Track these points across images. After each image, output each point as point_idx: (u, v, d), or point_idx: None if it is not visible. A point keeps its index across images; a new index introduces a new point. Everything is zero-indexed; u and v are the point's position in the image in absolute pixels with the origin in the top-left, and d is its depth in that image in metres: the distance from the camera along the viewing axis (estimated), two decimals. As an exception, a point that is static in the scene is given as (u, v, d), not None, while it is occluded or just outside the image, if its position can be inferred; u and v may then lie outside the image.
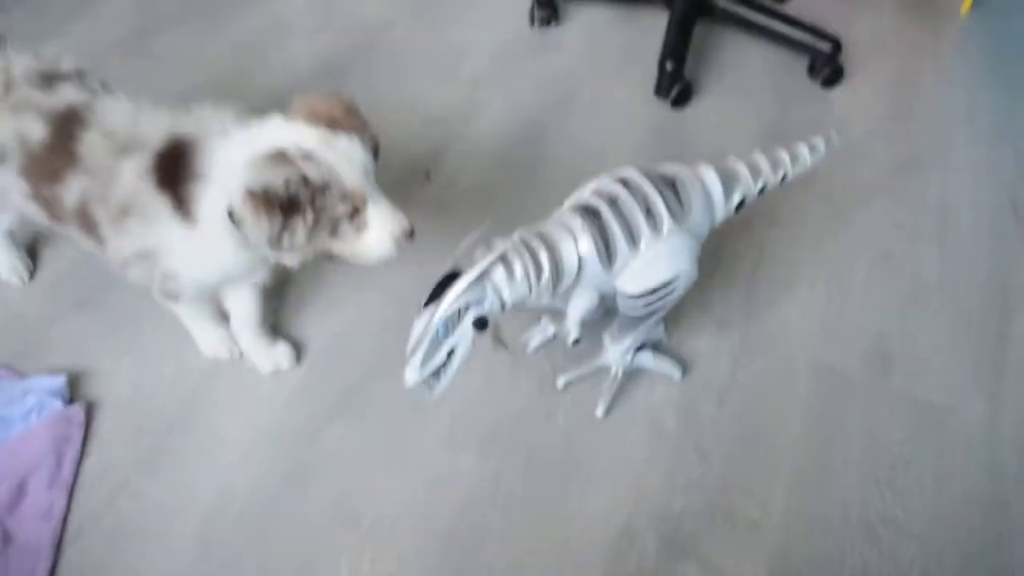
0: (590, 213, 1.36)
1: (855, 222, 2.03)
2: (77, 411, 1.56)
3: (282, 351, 1.66)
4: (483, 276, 1.25)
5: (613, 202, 1.37)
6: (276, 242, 1.20)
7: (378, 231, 1.27)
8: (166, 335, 1.68)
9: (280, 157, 1.19)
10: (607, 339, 1.59)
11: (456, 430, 1.58)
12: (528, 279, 1.28)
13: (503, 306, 1.29)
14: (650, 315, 1.45)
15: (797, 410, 1.65)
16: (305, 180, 1.18)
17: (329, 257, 1.32)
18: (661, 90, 2.32)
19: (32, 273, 1.80)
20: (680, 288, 1.42)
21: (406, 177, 2.05)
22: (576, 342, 1.44)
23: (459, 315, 1.24)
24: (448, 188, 2.04)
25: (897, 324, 1.81)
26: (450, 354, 1.26)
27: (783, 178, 1.54)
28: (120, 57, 2.33)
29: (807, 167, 1.56)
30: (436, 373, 1.27)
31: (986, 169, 2.21)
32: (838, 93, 2.42)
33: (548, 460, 1.55)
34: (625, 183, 1.39)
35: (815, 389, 1.68)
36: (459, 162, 2.11)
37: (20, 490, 1.46)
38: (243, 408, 1.61)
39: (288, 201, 1.17)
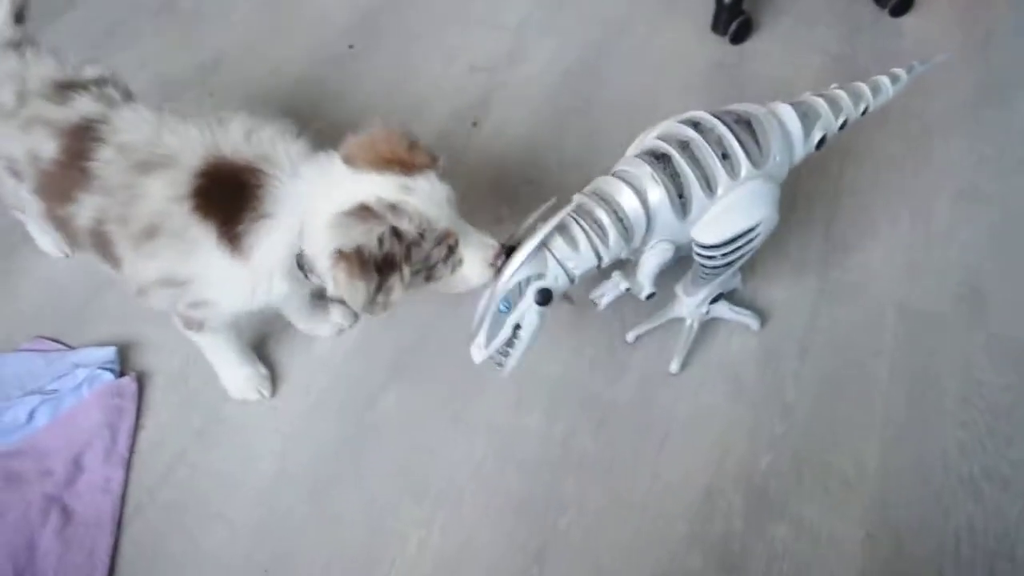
0: (659, 158, 1.26)
1: (936, 156, 1.89)
2: (129, 383, 1.51)
3: (260, 376, 1.51)
4: (542, 248, 1.17)
5: (684, 146, 1.26)
6: (372, 302, 1.10)
7: (473, 263, 1.17)
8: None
9: (366, 212, 1.07)
10: (680, 290, 1.49)
11: (523, 391, 1.50)
12: (593, 245, 1.20)
13: (572, 279, 1.21)
14: (728, 265, 1.34)
15: (885, 358, 1.54)
16: (397, 234, 1.08)
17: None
18: (718, 26, 2.19)
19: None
20: (761, 236, 1.30)
21: (453, 127, 1.95)
22: (651, 296, 1.34)
23: (520, 290, 1.17)
24: (497, 137, 1.94)
25: (989, 261, 1.68)
26: (517, 328, 1.19)
27: (864, 111, 1.41)
28: (148, 16, 2.25)
29: (888, 98, 1.43)
30: (505, 348, 1.21)
31: (1074, 95, 2.05)
32: (908, 20, 2.26)
33: (621, 419, 1.46)
34: (696, 125, 1.28)
35: (904, 334, 1.57)
36: (506, 110, 2.01)
37: (76, 465, 1.41)
38: (297, 373, 1.54)
39: (383, 259, 1.07)
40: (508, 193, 1.79)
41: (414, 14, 2.28)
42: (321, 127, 1.94)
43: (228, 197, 1.12)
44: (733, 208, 1.26)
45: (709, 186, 1.25)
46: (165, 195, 1.13)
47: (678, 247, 1.31)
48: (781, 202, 1.30)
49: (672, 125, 1.30)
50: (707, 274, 1.38)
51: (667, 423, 1.46)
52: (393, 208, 1.08)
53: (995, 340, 1.56)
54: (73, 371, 1.52)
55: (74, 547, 1.32)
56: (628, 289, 1.52)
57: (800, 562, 1.31)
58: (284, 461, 1.43)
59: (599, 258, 1.22)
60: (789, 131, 1.34)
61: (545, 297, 1.18)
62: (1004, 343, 1.55)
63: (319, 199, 1.11)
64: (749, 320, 1.55)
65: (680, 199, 1.24)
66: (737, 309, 1.54)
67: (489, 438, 1.45)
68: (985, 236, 1.73)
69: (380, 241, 1.06)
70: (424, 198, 1.10)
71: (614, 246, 1.22)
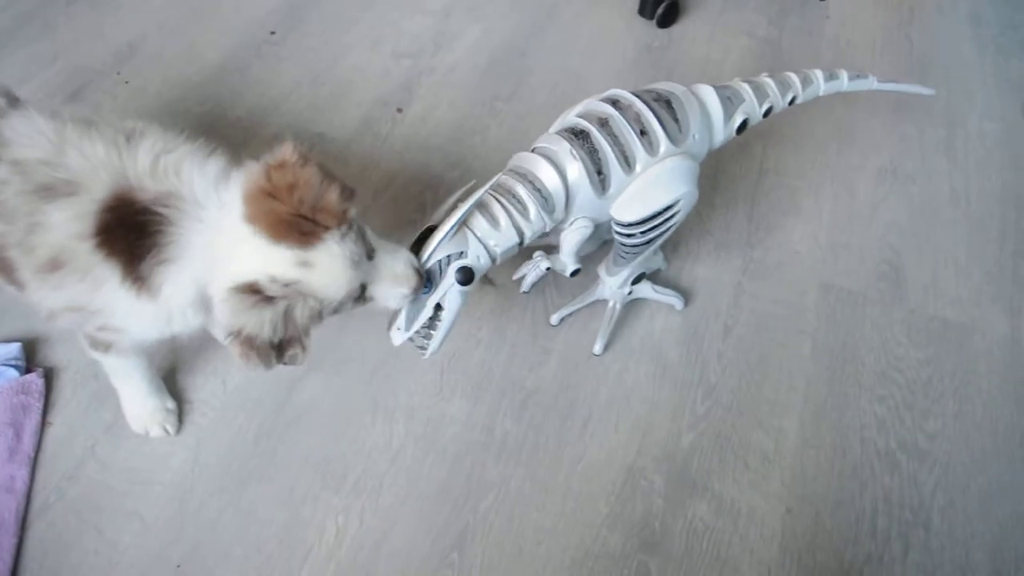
0: (578, 135, 1.24)
1: (859, 136, 1.91)
2: (35, 379, 1.45)
3: (165, 410, 1.42)
4: (462, 226, 1.16)
5: (603, 123, 1.25)
6: (272, 366, 1.05)
7: (387, 297, 1.12)
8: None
9: (256, 296, 1.01)
10: (603, 271, 1.48)
11: (444, 376, 1.48)
12: (514, 222, 1.19)
13: (493, 258, 1.20)
14: (649, 243, 1.33)
15: (807, 335, 1.55)
16: (290, 316, 1.03)
17: None
18: (645, 9, 2.19)
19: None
20: (681, 213, 1.30)
21: (377, 114, 1.92)
22: (575, 272, 1.33)
23: (440, 269, 1.15)
24: (422, 123, 1.91)
25: (909, 240, 1.70)
26: (438, 309, 1.18)
27: (792, 100, 1.42)
28: (61, 6, 2.18)
29: (820, 94, 1.44)
30: (427, 331, 1.19)
31: (993, 76, 2.09)
32: (835, 3, 2.28)
33: (544, 402, 1.45)
34: (615, 103, 1.27)
35: (825, 312, 1.58)
36: (432, 96, 1.98)
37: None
38: (209, 366, 1.49)
39: (280, 340, 1.03)
40: (433, 179, 1.76)
41: (338, 0, 2.23)
42: (241, 115, 1.91)
43: (132, 237, 1.03)
44: (652, 185, 1.26)
45: (628, 162, 1.24)
46: (69, 230, 1.03)
47: (598, 225, 1.30)
48: (703, 181, 1.30)
49: (592, 103, 1.29)
50: (628, 253, 1.37)
51: (590, 405, 1.45)
52: (288, 287, 1.01)
53: (913, 316, 1.58)
54: (-22, 367, 1.46)
55: None
56: (549, 268, 1.50)
57: (720, 539, 1.31)
58: (198, 455, 1.39)
59: (520, 235, 1.20)
60: (709, 111, 1.33)
61: (467, 276, 1.16)
62: (922, 319, 1.58)
63: (218, 253, 1.04)
64: (673, 300, 1.55)
65: (599, 175, 1.23)
66: (660, 289, 1.53)
67: (409, 425, 1.42)
68: (905, 215, 1.75)
69: (273, 329, 1.01)
70: (324, 274, 1.03)
71: (535, 221, 1.20)
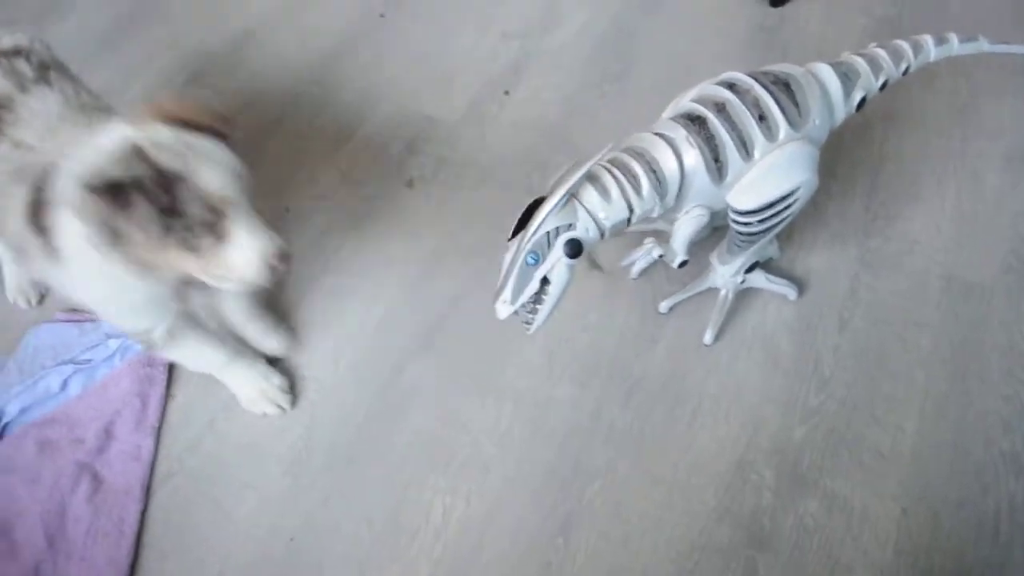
0: (694, 121, 1.22)
1: (986, 118, 1.81)
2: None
3: (274, 388, 1.45)
4: (571, 198, 1.14)
5: (720, 108, 1.22)
6: (112, 237, 0.97)
7: (245, 249, 1.03)
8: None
9: (127, 148, 0.97)
10: (715, 259, 1.45)
11: (552, 360, 1.48)
12: (625, 196, 1.16)
13: (602, 232, 1.17)
14: (766, 232, 1.30)
15: (928, 329, 1.49)
16: (152, 167, 0.97)
17: (190, 282, 1.11)
18: (758, -13, 2.12)
19: (42, 298, 1.62)
20: (800, 201, 1.26)
21: (485, 95, 1.92)
22: (683, 264, 1.31)
23: (548, 241, 1.13)
24: (529, 105, 1.90)
25: (1040, 230, 1.61)
26: (544, 283, 1.16)
27: (906, 70, 1.35)
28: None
29: (930, 60, 1.37)
30: (532, 306, 1.18)
31: None
32: (959, -22, 2.16)
33: (652, 390, 1.43)
34: (732, 86, 1.23)
35: (947, 305, 1.51)
36: (540, 78, 1.97)
37: (107, 433, 1.43)
38: (326, 344, 1.54)
39: (124, 186, 0.95)
40: (540, 162, 1.76)
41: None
42: (352, 99, 1.94)
43: (42, 208, 1.06)
44: (771, 172, 1.22)
45: (746, 149, 1.21)
46: (20, 212, 1.07)
47: (713, 213, 1.27)
48: (821, 167, 1.25)
49: (708, 87, 1.26)
50: (743, 241, 1.34)
51: (699, 395, 1.43)
52: (159, 147, 0.98)
53: (1044, 312, 1.50)
54: (105, 341, 1.54)
55: (103, 513, 1.33)
56: (661, 256, 1.49)
57: (832, 537, 1.27)
58: (311, 432, 1.43)
59: (631, 210, 1.18)
60: (829, 91, 1.29)
61: (575, 249, 1.14)
62: (1054, 315, 1.49)
63: (87, 152, 1.01)
64: (786, 290, 1.51)
65: (716, 163, 1.21)
66: (774, 279, 1.49)
67: (516, 407, 1.43)
68: (1035, 203, 1.66)
69: (127, 166, 0.96)
70: (200, 151, 1.00)
71: (647, 198, 1.18)
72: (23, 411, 1.46)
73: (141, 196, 0.96)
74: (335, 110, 1.92)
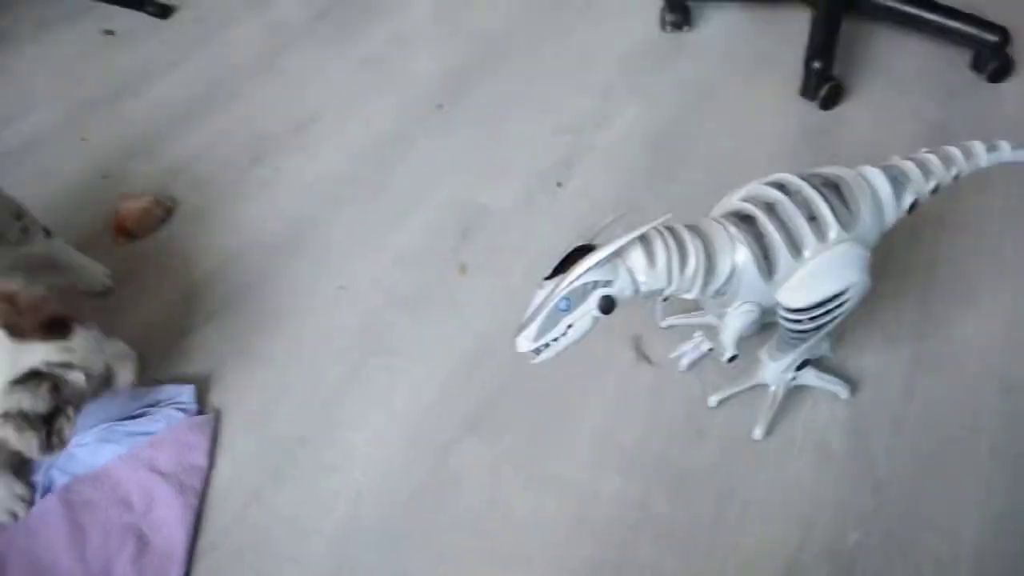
0: (744, 220, 1.24)
1: (1040, 227, 1.81)
2: (207, 420, 1.53)
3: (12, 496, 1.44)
4: (618, 255, 1.14)
5: (770, 208, 1.24)
6: (48, 447, 1.21)
7: (123, 374, 1.34)
8: (297, 347, 1.64)
9: (35, 377, 1.19)
10: (764, 355, 1.45)
11: (598, 450, 1.47)
12: (670, 268, 1.17)
13: (636, 291, 1.18)
14: (817, 330, 1.30)
15: (985, 435, 1.46)
16: (59, 387, 1.21)
17: None
18: (808, 91, 2.16)
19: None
20: (852, 301, 1.26)
21: (538, 186, 1.97)
22: (733, 359, 1.31)
23: (584, 292, 1.14)
24: (581, 198, 1.95)
25: (1099, 339, 1.59)
26: (568, 327, 1.16)
27: (956, 176, 1.37)
28: (249, 75, 2.35)
29: (981, 167, 1.38)
30: (547, 343, 1.18)
31: None
32: (1008, 86, 2.19)
33: (700, 484, 1.41)
34: (782, 187, 1.26)
35: (1005, 410, 1.49)
36: (591, 172, 2.01)
37: (152, 496, 1.43)
38: (375, 422, 1.54)
39: (50, 411, 1.19)
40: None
41: (503, 74, 2.32)
42: (406, 185, 2.00)
43: None
44: (822, 271, 1.23)
45: (796, 248, 1.22)
46: None
47: (763, 309, 1.28)
48: (873, 268, 1.26)
49: (757, 187, 1.28)
50: (794, 339, 1.34)
51: (748, 491, 1.40)
52: (61, 366, 1.20)
53: (1107, 422, 1.46)
54: (155, 406, 1.56)
55: (148, 573, 1.33)
56: (711, 350, 1.49)
57: (890, 649, 1.23)
58: (357, 509, 1.42)
59: (670, 282, 1.18)
60: (879, 194, 1.30)
61: (609, 305, 1.15)
62: (1117, 425, 1.46)
63: None
64: (838, 388, 1.49)
65: (766, 260, 1.22)
66: (825, 376, 1.48)
67: (561, 497, 1.41)
68: (1094, 311, 1.64)
69: (45, 398, 1.17)
70: (85, 352, 1.23)
71: (689, 277, 1.19)
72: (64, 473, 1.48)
73: (58, 413, 1.22)
74: (391, 194, 1.97)
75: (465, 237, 1.86)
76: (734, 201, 1.28)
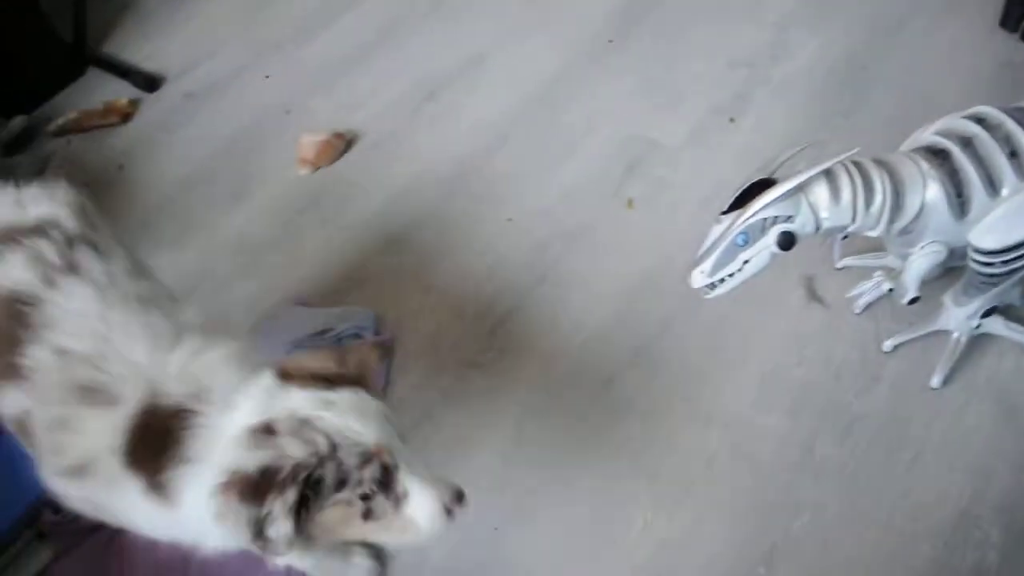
0: (937, 155, 1.18)
1: None
2: (386, 340, 1.63)
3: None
4: (800, 189, 1.12)
5: (967, 143, 1.17)
6: (256, 535, 0.89)
7: (424, 504, 0.95)
8: (467, 276, 1.71)
9: (263, 433, 0.92)
10: (949, 300, 1.39)
11: (765, 389, 1.46)
12: (855, 205, 1.14)
13: (818, 229, 1.15)
14: (1009, 274, 1.23)
15: None
16: (310, 445, 0.91)
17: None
18: (1009, 21, 2.00)
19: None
20: (1051, 245, 1.19)
21: (710, 122, 1.94)
22: (914, 301, 1.26)
23: (763, 227, 1.12)
24: (755, 133, 1.90)
25: None
26: (744, 262, 1.15)
27: None
28: (421, 15, 2.40)
29: None
30: (722, 278, 1.17)
31: None
32: None
33: (870, 429, 1.39)
34: (981, 121, 1.19)
35: None
36: (766, 107, 1.95)
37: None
38: (539, 351, 1.59)
39: (266, 482, 0.88)
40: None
41: (675, 7, 2.26)
42: (576, 120, 2.00)
43: (157, 446, 0.96)
44: (1020, 211, 1.16)
45: (993, 186, 1.16)
46: (101, 441, 0.98)
47: (951, 251, 1.22)
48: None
49: (953, 120, 1.22)
50: (983, 283, 1.27)
51: (922, 440, 1.36)
52: (304, 424, 0.92)
53: None
54: (336, 325, 1.67)
55: None
56: (890, 291, 1.44)
57: (1065, 607, 1.18)
58: (520, 429, 1.49)
59: (854, 218, 1.15)
60: (1089, 134, 1.20)
61: (788, 241, 1.13)
62: None
63: (234, 429, 0.95)
64: (1027, 340, 1.41)
65: (959, 198, 1.16)
66: (1014, 326, 1.41)
67: (724, 432, 1.43)
68: None
69: (266, 463, 0.89)
70: (346, 410, 0.93)
71: (874, 213, 1.15)
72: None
73: (283, 488, 0.88)
74: (560, 129, 1.99)
75: (633, 172, 1.86)
76: (927, 135, 1.22)
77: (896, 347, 1.45)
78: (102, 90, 2.32)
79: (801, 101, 1.95)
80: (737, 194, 1.16)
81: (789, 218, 1.13)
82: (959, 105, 1.25)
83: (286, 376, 0.98)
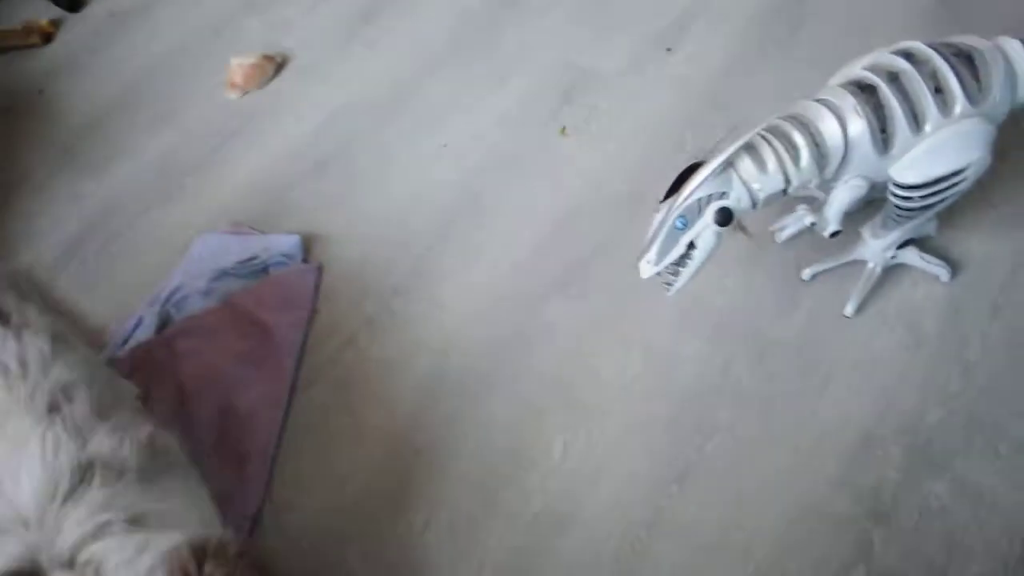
0: (864, 89, 1.19)
1: None
2: (311, 268, 1.62)
3: None
4: (728, 166, 1.15)
5: (894, 78, 1.18)
6: None
7: None
8: (398, 202, 1.70)
9: None
10: (867, 232, 1.41)
11: (686, 314, 1.48)
12: (783, 168, 1.16)
13: (755, 202, 1.18)
14: (926, 209, 1.26)
15: (1091, 327, 1.40)
16: None
17: None
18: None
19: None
20: (969, 180, 1.21)
21: (646, 52, 1.92)
22: (835, 234, 1.29)
23: (700, 207, 1.15)
24: (690, 63, 1.89)
25: None
26: (690, 247, 1.18)
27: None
28: None
29: None
30: (675, 267, 1.21)
31: None
32: None
33: (785, 355, 1.42)
34: (909, 56, 1.19)
35: (1117, 305, 1.42)
36: (704, 36, 1.94)
37: (265, 325, 1.55)
38: (467, 277, 1.60)
39: None
40: (694, 119, 1.74)
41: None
42: (511, 48, 1.95)
43: None
44: (941, 147, 1.18)
45: (917, 122, 1.17)
46: None
47: (873, 185, 1.24)
48: (995, 146, 1.20)
49: (882, 55, 1.22)
50: (900, 216, 1.30)
51: (832, 365, 1.40)
52: None
53: None
54: (262, 253, 1.65)
55: (268, 362, 1.48)
56: (813, 224, 1.46)
57: (955, 523, 1.23)
58: (445, 358, 1.50)
59: (787, 182, 1.18)
60: (1015, 68, 1.21)
61: (725, 217, 1.16)
62: None
63: None
64: (939, 270, 1.45)
65: (883, 133, 1.18)
66: (927, 257, 1.44)
67: (645, 358, 1.45)
68: None
69: None
70: None
71: (806, 170, 1.17)
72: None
73: None
74: (496, 56, 1.96)
75: (568, 100, 1.85)
76: (856, 69, 1.23)
77: (814, 276, 1.48)
78: (21, 9, 2.23)
79: (739, 31, 1.94)
80: (672, 181, 1.18)
81: (723, 195, 1.15)
82: (896, 38, 1.25)
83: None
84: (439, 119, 1.85)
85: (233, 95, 1.96)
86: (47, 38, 2.15)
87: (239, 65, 1.96)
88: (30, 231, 1.82)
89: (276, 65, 1.99)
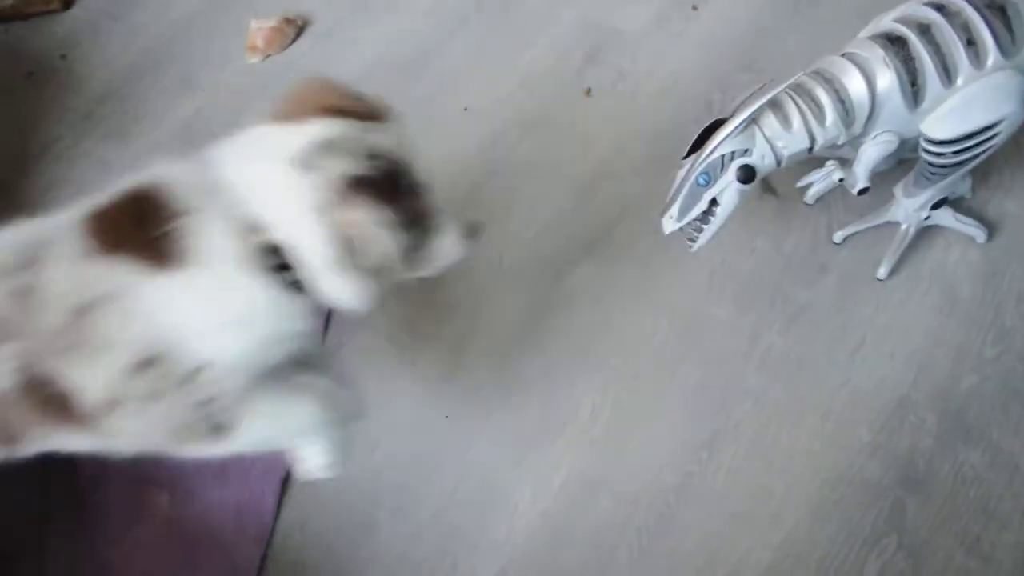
0: (894, 42, 1.15)
1: None
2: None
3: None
4: (752, 123, 1.13)
5: (924, 30, 1.14)
6: (407, 249, 0.91)
7: (451, 232, 1.01)
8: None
9: (335, 144, 0.87)
10: (899, 191, 1.38)
11: (714, 279, 1.47)
12: (808, 126, 1.14)
13: (779, 160, 1.16)
14: (959, 165, 1.22)
15: None
16: (383, 156, 0.88)
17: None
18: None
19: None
20: (1002, 135, 1.18)
21: (670, 11, 1.86)
22: (864, 191, 1.26)
23: (723, 164, 1.14)
24: (717, 21, 1.84)
25: None
26: (713, 204, 1.17)
27: None
28: None
29: None
30: (698, 224, 1.20)
31: None
32: None
33: (816, 319, 1.40)
34: (941, 8, 1.15)
35: None
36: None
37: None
38: (492, 241, 1.57)
39: (389, 183, 0.87)
40: (722, 79, 1.71)
41: None
42: (537, 4, 1.92)
43: (128, 224, 0.90)
44: (973, 101, 1.15)
45: (948, 75, 1.14)
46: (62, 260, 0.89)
47: (903, 141, 1.21)
48: (1029, 102, 1.16)
49: (913, 7, 1.18)
50: (933, 174, 1.27)
51: (865, 329, 1.38)
52: (365, 136, 0.89)
53: None
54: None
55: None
56: (841, 181, 1.43)
57: (990, 491, 1.22)
58: (473, 320, 1.49)
59: (812, 140, 1.15)
60: (1052, 16, 1.18)
61: (748, 175, 1.14)
62: None
63: (255, 166, 0.90)
64: (974, 231, 1.42)
65: (913, 87, 1.14)
66: (962, 218, 1.41)
67: (672, 321, 1.44)
68: None
69: (375, 161, 0.87)
70: (396, 139, 0.93)
71: (831, 128, 1.15)
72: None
73: (404, 190, 0.89)
74: (519, 15, 1.92)
75: (592, 60, 1.81)
76: (886, 21, 1.19)
77: (846, 238, 1.46)
78: (40, -28, 2.21)
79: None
80: (695, 138, 1.16)
81: (746, 151, 1.13)
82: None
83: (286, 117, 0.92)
84: (460, 82, 1.82)
85: (254, 59, 1.93)
86: (67, 3, 2.13)
87: (259, 28, 1.94)
88: (55, 199, 1.82)
89: (296, 28, 1.97)
